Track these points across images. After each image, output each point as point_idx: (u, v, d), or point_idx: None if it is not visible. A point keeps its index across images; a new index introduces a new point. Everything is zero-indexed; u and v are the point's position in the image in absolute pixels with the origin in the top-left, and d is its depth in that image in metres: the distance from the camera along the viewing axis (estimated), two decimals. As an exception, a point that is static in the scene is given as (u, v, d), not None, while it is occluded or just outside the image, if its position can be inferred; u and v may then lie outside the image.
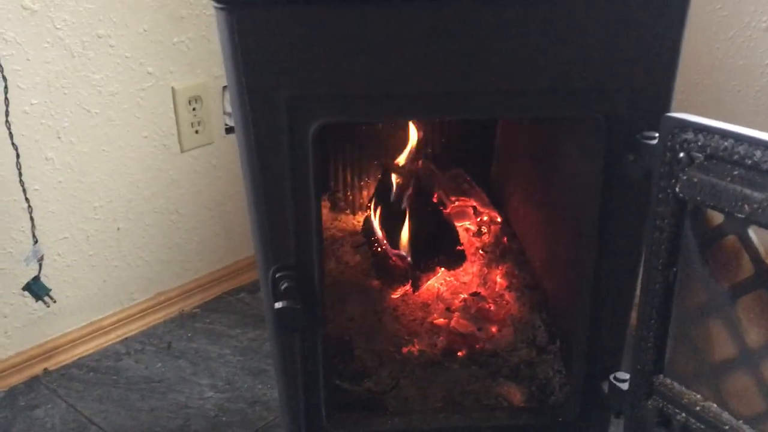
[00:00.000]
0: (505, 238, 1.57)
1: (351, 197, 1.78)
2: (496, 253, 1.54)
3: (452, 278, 1.50)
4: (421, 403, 1.25)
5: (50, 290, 1.73)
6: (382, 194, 1.59)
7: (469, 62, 0.95)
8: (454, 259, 1.47)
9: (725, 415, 0.94)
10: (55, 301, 1.76)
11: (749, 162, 0.84)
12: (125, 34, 1.73)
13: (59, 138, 1.69)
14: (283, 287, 1.00)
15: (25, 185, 1.65)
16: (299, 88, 0.93)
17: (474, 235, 1.61)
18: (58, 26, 1.62)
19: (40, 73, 1.63)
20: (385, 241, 1.52)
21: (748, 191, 0.82)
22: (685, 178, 0.89)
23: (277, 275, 1.01)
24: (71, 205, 1.76)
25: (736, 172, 0.85)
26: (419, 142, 1.64)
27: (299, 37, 0.91)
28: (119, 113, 1.78)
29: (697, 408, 0.96)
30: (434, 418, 1.19)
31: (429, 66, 0.94)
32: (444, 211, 1.57)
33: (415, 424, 1.18)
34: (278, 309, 0.96)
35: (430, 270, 1.46)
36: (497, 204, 1.70)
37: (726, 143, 0.86)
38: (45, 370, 1.81)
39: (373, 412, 1.21)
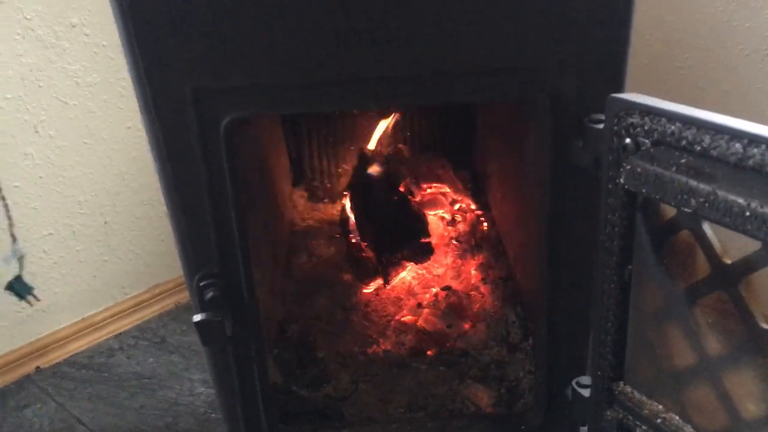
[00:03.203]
0: (484, 227, 1.47)
1: (329, 186, 1.70)
2: (471, 243, 1.44)
3: (425, 271, 1.41)
4: (382, 410, 1.17)
5: (33, 289, 1.70)
6: (356, 183, 1.51)
7: (393, 43, 0.85)
8: (420, 252, 1.38)
9: (688, 428, 0.84)
10: (39, 300, 1.73)
11: (698, 148, 0.73)
12: (101, 21, 1.67)
13: (37, 132, 1.65)
14: (207, 297, 0.93)
15: (2, 183, 1.61)
16: (204, 80, 0.85)
17: (448, 224, 1.52)
18: (28, 16, 1.57)
19: (13, 66, 1.58)
20: (357, 233, 1.44)
21: (693, 183, 0.72)
22: (629, 167, 0.79)
23: (201, 284, 0.94)
24: (54, 201, 1.72)
25: (683, 161, 0.75)
26: (397, 126, 1.55)
27: (199, 22, 0.82)
28: (99, 104, 1.73)
29: (658, 420, 0.86)
30: (386, 430, 1.11)
31: (346, 49, 0.84)
32: (413, 199, 1.48)
33: (365, 436, 1.11)
34: (196, 322, 0.89)
35: (395, 264, 1.37)
36: (479, 190, 1.60)
37: (673, 127, 0.76)
38: (37, 368, 1.79)
39: (322, 424, 1.14)
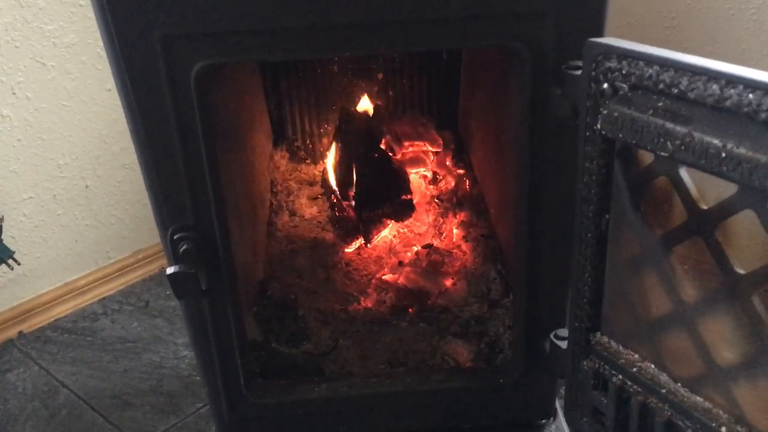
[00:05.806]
0: (467, 184, 1.46)
1: (311, 146, 1.68)
2: (453, 201, 1.43)
3: (406, 230, 1.40)
4: (362, 365, 1.17)
5: (14, 252, 1.68)
6: (337, 142, 1.49)
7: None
8: (401, 209, 1.37)
9: (663, 377, 0.84)
10: (19, 264, 1.71)
11: (675, 91, 0.73)
12: (78, -20, 1.64)
13: (14, 94, 1.63)
14: (181, 250, 0.92)
15: (-21, 145, 1.60)
16: (174, 26, 0.83)
17: (430, 182, 1.51)
18: (3, -26, 1.54)
19: (-12, 27, 1.55)
20: (338, 192, 1.42)
21: (670, 126, 0.71)
22: (605, 112, 0.78)
23: (175, 237, 0.93)
24: (34, 164, 1.70)
25: (660, 104, 0.74)
26: (380, 84, 1.52)
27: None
28: (78, 66, 1.70)
29: (634, 369, 0.86)
30: (365, 384, 1.11)
31: (319, -6, 0.83)
32: (394, 157, 1.46)
33: (343, 391, 1.10)
34: (169, 274, 0.88)
35: (377, 222, 1.36)
36: (461, 150, 1.59)
37: (651, 70, 0.75)
38: (20, 333, 1.78)
39: (300, 379, 1.13)
